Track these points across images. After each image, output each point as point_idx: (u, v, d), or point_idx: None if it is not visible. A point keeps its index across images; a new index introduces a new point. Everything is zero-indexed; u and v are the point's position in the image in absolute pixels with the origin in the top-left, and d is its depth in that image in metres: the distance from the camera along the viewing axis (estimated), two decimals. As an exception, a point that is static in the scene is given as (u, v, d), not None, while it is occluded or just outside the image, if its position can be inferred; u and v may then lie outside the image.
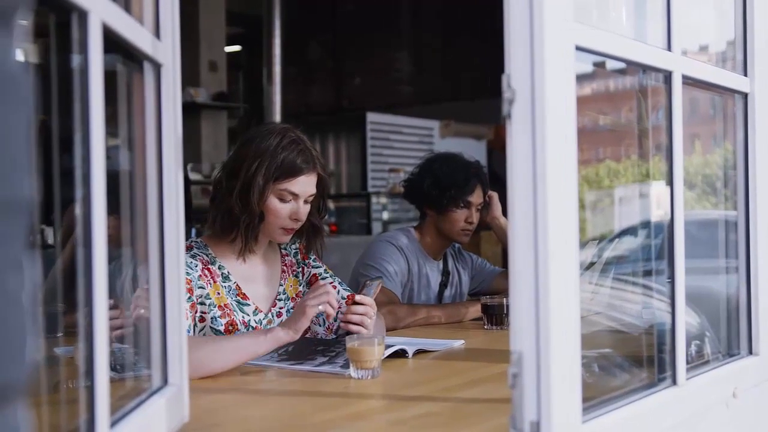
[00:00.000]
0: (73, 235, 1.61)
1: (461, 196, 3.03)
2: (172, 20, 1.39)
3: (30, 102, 0.55)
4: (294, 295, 2.40)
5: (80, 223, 1.01)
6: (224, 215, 2.24)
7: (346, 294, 2.43)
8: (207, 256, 2.26)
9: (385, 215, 7.70)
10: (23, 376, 0.55)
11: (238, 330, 2.22)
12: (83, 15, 1.00)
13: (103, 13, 1.04)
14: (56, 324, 1.43)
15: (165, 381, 1.38)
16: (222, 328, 2.19)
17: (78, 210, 1.01)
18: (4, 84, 0.51)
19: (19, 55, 0.55)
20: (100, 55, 1.03)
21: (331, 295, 2.04)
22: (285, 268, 2.42)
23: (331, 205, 7.88)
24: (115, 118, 1.28)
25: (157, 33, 1.36)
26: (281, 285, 2.39)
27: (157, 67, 1.35)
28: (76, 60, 1.01)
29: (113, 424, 1.10)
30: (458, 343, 2.39)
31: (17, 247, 0.53)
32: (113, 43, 1.11)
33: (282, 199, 2.23)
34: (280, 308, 2.36)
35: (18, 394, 0.55)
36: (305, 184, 2.25)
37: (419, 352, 2.22)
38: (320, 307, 2.01)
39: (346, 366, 1.94)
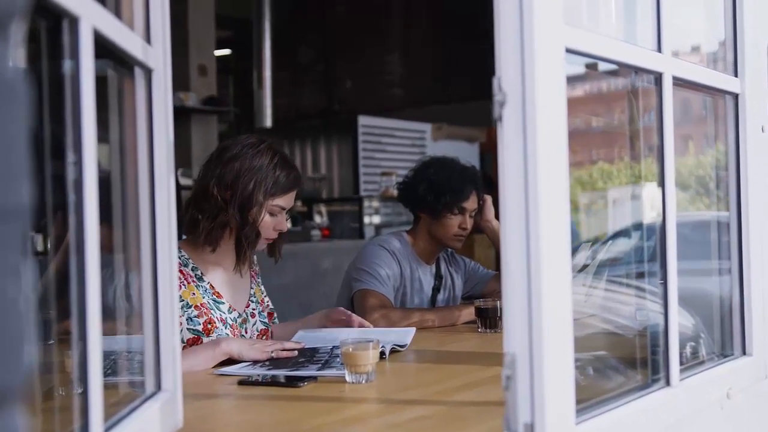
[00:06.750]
0: (64, 242, 1.61)
1: (456, 203, 3.01)
2: (162, 25, 1.39)
3: (27, 108, 0.55)
4: (260, 300, 2.51)
5: (72, 230, 1.01)
6: (219, 228, 2.29)
7: (260, 327, 2.48)
8: (180, 258, 2.29)
9: (378, 219, 7.68)
10: (21, 381, 0.56)
11: (216, 328, 2.28)
12: (74, 21, 1.00)
13: (94, 19, 1.03)
14: (49, 331, 1.42)
15: (158, 387, 1.38)
16: (200, 327, 2.26)
17: (71, 216, 1.01)
18: (2, 91, 0.51)
19: (16, 62, 0.55)
20: (92, 61, 1.02)
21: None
22: (253, 274, 2.53)
23: (323, 209, 7.87)
24: (105, 124, 1.27)
25: (147, 38, 1.35)
26: (252, 288, 2.49)
27: (148, 72, 1.35)
28: (67, 65, 1.01)
29: (107, 430, 1.10)
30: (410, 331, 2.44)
31: (16, 253, 0.54)
32: (103, 48, 1.11)
33: (272, 214, 2.34)
34: (253, 309, 2.46)
35: (16, 398, 0.55)
36: (292, 199, 2.39)
37: (394, 351, 2.25)
38: (273, 354, 2.16)
39: (342, 369, 1.94)
